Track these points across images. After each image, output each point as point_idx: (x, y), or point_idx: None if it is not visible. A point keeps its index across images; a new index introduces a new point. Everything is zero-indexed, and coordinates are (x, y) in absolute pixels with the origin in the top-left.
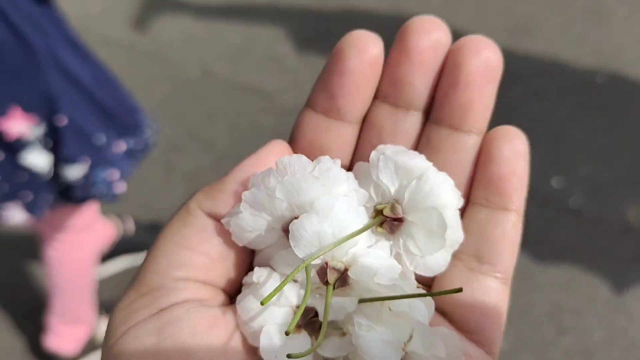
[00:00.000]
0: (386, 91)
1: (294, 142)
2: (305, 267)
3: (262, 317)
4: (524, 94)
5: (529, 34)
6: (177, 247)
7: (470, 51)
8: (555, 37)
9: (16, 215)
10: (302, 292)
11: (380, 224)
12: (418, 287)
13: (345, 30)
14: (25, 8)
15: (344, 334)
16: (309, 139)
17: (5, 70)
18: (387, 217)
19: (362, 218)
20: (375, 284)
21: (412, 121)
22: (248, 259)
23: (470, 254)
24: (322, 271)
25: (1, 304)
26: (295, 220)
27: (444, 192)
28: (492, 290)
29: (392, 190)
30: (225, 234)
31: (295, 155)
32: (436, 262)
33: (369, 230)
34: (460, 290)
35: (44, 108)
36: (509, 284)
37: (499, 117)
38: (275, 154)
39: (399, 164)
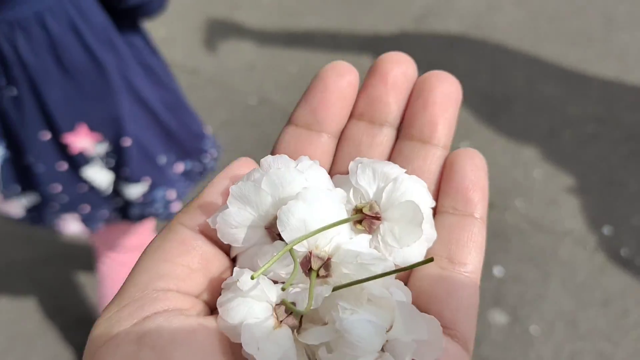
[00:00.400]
0: (362, 110)
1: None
2: (290, 250)
3: (242, 313)
4: (578, 139)
5: (584, 79)
6: (158, 260)
7: (437, 80)
8: (611, 84)
9: (72, 226)
10: (280, 289)
11: (360, 222)
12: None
13: None
14: (101, 29)
15: (325, 324)
16: (291, 151)
17: (77, 89)
18: (367, 215)
19: (344, 212)
20: (356, 268)
21: (387, 135)
22: (227, 268)
23: (443, 255)
24: (306, 260)
25: (52, 313)
26: (283, 207)
27: (418, 190)
28: (464, 286)
29: (371, 194)
30: (204, 246)
31: (277, 155)
32: (413, 253)
33: (349, 227)
34: (431, 260)
35: (109, 128)
36: (478, 283)
37: (552, 161)
38: (244, 168)
39: (376, 169)
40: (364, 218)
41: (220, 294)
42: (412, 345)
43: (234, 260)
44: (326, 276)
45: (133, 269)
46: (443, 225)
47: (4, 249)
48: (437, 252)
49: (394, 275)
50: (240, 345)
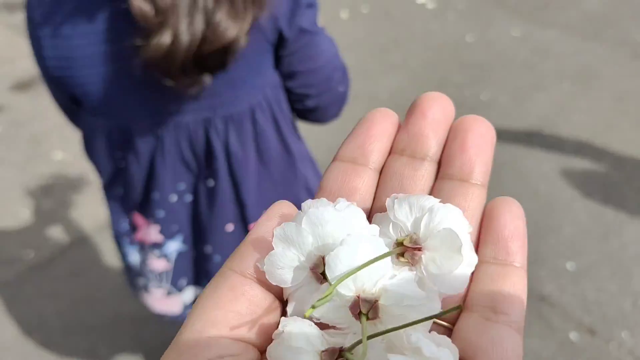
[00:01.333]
0: (404, 145)
1: (322, 190)
2: (336, 291)
3: None
4: None
5: None
6: (210, 308)
7: (473, 122)
8: None
9: None
10: (329, 337)
11: (402, 254)
12: (439, 325)
13: None
14: (290, 121)
15: None
16: (338, 185)
17: (269, 178)
18: (407, 247)
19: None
20: (404, 309)
21: (427, 169)
22: (275, 310)
23: (485, 305)
24: (355, 304)
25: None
26: (331, 252)
27: (454, 217)
28: (509, 336)
29: (409, 226)
30: (253, 290)
31: (317, 199)
32: (457, 279)
33: (393, 265)
34: (459, 307)
35: None
36: (522, 333)
37: None
38: (284, 209)
39: (412, 202)
40: (406, 250)
41: (268, 335)
42: None
43: (286, 301)
44: (374, 319)
45: (189, 314)
46: (485, 275)
47: (112, 304)
48: (480, 302)
49: (439, 307)
50: None
